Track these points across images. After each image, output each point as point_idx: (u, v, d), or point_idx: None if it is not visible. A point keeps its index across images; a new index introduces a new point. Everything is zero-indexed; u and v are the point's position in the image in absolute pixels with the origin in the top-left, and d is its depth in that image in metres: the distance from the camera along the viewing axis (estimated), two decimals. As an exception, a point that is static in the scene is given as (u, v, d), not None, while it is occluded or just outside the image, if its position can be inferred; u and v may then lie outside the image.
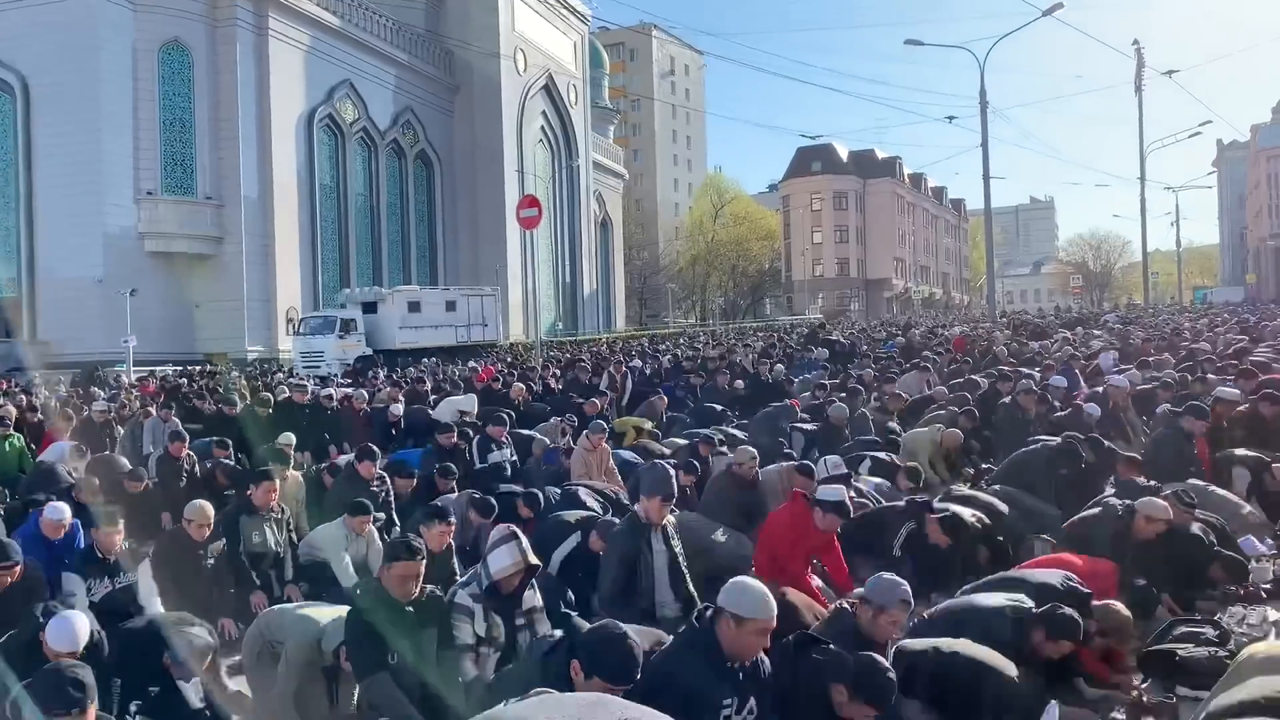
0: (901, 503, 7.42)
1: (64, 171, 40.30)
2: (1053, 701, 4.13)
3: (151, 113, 42.40)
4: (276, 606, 5.66)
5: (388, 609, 4.46)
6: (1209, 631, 5.18)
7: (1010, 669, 4.22)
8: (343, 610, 5.01)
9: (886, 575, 4.45)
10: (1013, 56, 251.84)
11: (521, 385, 16.23)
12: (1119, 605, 5.03)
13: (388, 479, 8.24)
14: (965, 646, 4.31)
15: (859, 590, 4.77)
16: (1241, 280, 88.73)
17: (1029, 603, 4.71)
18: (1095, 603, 4.97)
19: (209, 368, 32.18)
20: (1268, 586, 6.12)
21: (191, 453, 10.16)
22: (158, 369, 29.62)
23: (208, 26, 43.51)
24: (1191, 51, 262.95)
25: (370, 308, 37.04)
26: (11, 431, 11.13)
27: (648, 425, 13.21)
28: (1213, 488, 7.54)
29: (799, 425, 11.47)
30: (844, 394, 13.70)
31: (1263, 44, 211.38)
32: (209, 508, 6.55)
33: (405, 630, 4.47)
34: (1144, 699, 4.62)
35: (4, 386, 22.75)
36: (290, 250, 46.51)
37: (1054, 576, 5.16)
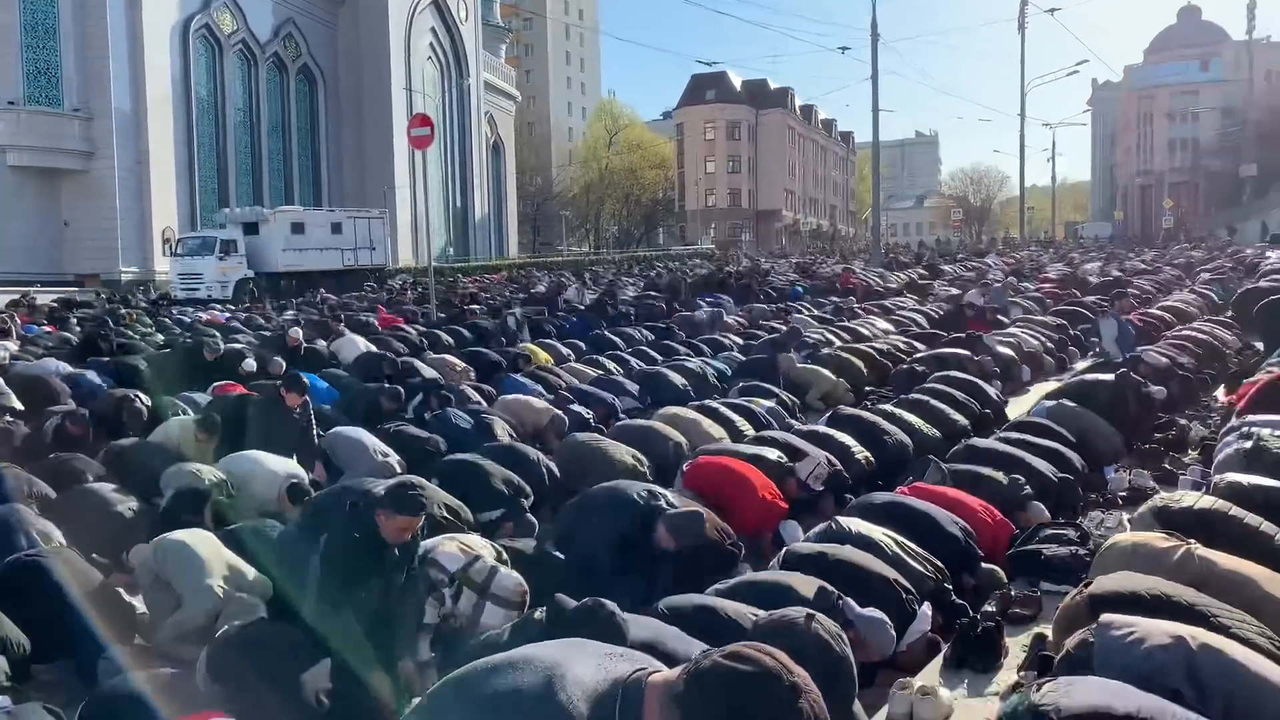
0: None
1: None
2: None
3: (12, 16, 39.56)
4: (177, 536, 5.29)
5: (375, 549, 4.49)
6: (1070, 533, 5.71)
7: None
8: (245, 568, 5.03)
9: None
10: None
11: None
12: (1000, 572, 5.48)
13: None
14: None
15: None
16: (1111, 216, 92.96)
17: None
18: (984, 565, 5.41)
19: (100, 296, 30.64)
20: (1123, 494, 6.97)
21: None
22: (30, 290, 28.09)
23: (68, -79, 40.57)
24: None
25: (251, 228, 35.73)
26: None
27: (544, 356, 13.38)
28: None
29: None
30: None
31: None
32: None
33: (383, 571, 4.53)
34: (1012, 593, 5.07)
35: None
36: (166, 167, 44.33)
37: (954, 526, 5.49)
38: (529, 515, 6.66)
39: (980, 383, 10.25)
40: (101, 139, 41.78)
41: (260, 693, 4.10)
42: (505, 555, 4.96)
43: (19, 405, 9.39)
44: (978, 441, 7.68)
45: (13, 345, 15.81)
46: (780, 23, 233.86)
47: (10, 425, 8.57)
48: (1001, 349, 12.34)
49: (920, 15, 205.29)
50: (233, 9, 48.70)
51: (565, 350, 13.92)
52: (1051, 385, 11.44)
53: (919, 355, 12.40)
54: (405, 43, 58.82)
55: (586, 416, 9.38)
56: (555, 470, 7.27)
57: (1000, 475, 6.50)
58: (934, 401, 9.06)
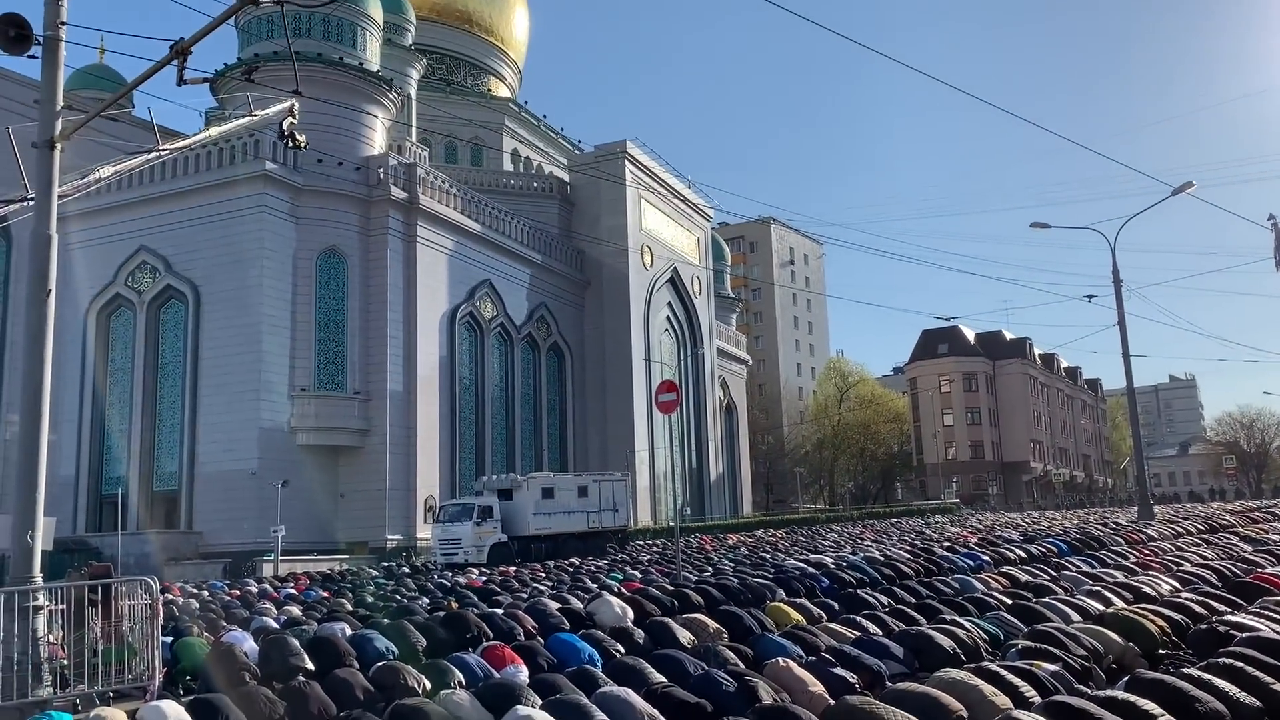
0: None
1: (226, 371, 43.37)
2: None
3: (308, 315, 45.52)
4: None
5: None
6: None
7: None
8: None
9: None
10: (1144, 235, 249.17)
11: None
12: None
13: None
14: None
15: None
16: None
17: None
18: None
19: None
20: None
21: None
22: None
23: (361, 235, 47.12)
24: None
25: (506, 495, 37.51)
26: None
27: (796, 615, 13.01)
28: None
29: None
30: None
31: None
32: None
33: None
34: None
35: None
36: (430, 440, 48.26)
37: None
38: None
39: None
40: (376, 417, 46.20)
41: None
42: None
43: (311, 665, 10.02)
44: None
45: (295, 609, 17.13)
46: (1010, 275, 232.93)
47: (303, 686, 9.13)
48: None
49: (1166, 259, 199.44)
50: (493, 297, 54.10)
51: (817, 610, 13.48)
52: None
53: (1224, 616, 11.13)
54: (645, 317, 62.99)
55: (852, 681, 8.93)
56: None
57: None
58: (1249, 667, 8.03)
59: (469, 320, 52.62)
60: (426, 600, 17.97)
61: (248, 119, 12.84)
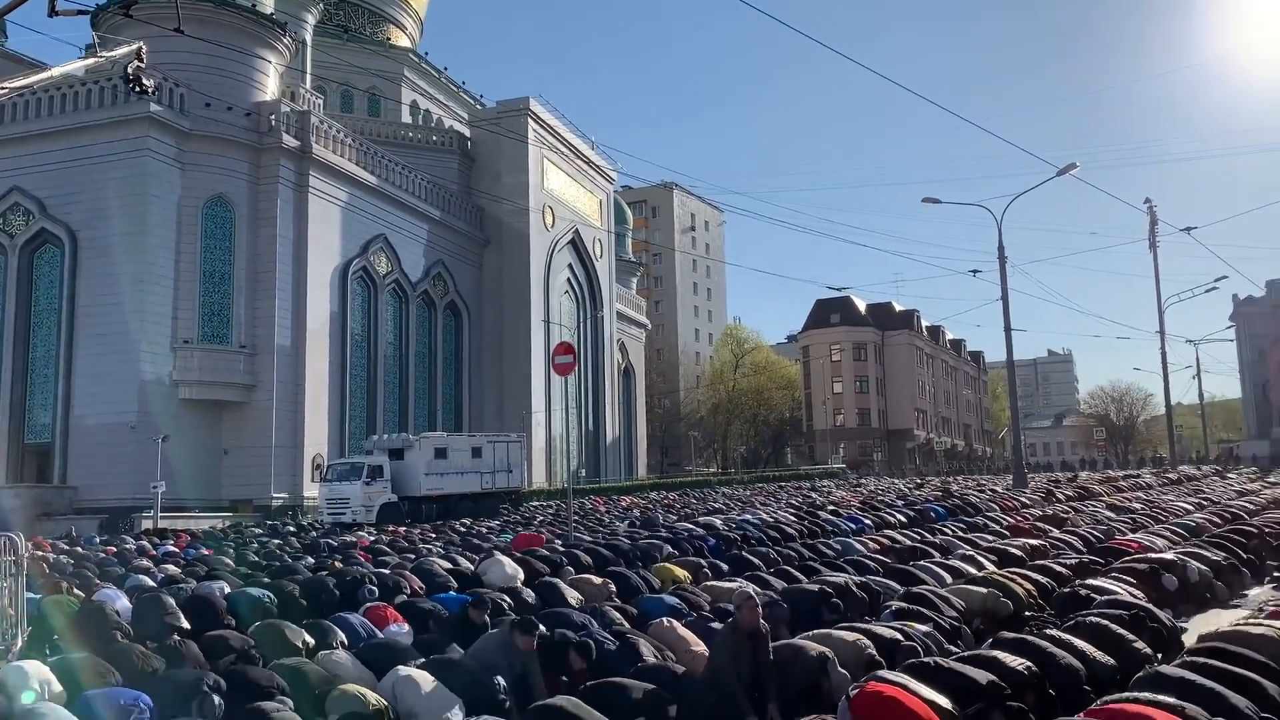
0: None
1: (105, 320, 41.50)
2: None
3: (193, 265, 43.70)
4: None
5: None
6: None
7: None
8: None
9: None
10: (1029, 213, 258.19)
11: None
12: None
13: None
14: None
15: None
16: (1268, 434, 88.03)
17: None
18: None
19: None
20: None
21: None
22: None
23: (250, 184, 45.42)
24: (1206, 209, 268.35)
25: (397, 454, 37.07)
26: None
27: (682, 574, 13.27)
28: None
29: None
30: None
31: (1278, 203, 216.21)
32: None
33: None
34: None
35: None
36: (319, 397, 47.18)
37: None
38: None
39: (1154, 608, 9.61)
40: (263, 372, 44.92)
41: None
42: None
43: (186, 624, 9.78)
44: (1166, 670, 7.12)
45: (173, 568, 16.65)
46: (901, 249, 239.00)
47: (179, 645, 8.90)
48: (1195, 566, 11.67)
49: (1049, 237, 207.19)
50: (388, 252, 52.93)
51: (704, 569, 13.77)
52: (1232, 613, 10.66)
53: (1085, 580, 11.76)
54: (545, 278, 62.54)
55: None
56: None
57: (1199, 711, 5.96)
58: (1112, 626, 8.51)
59: (362, 275, 51.41)
60: (311, 559, 17.71)
61: (92, 60, 12.27)
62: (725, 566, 14.23)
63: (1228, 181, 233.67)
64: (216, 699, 6.85)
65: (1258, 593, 13.16)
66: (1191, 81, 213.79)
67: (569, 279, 67.67)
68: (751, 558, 14.87)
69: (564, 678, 7.92)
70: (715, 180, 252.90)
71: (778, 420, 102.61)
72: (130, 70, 11.96)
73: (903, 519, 21.35)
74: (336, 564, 15.73)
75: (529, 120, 60.89)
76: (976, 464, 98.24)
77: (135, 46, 12.00)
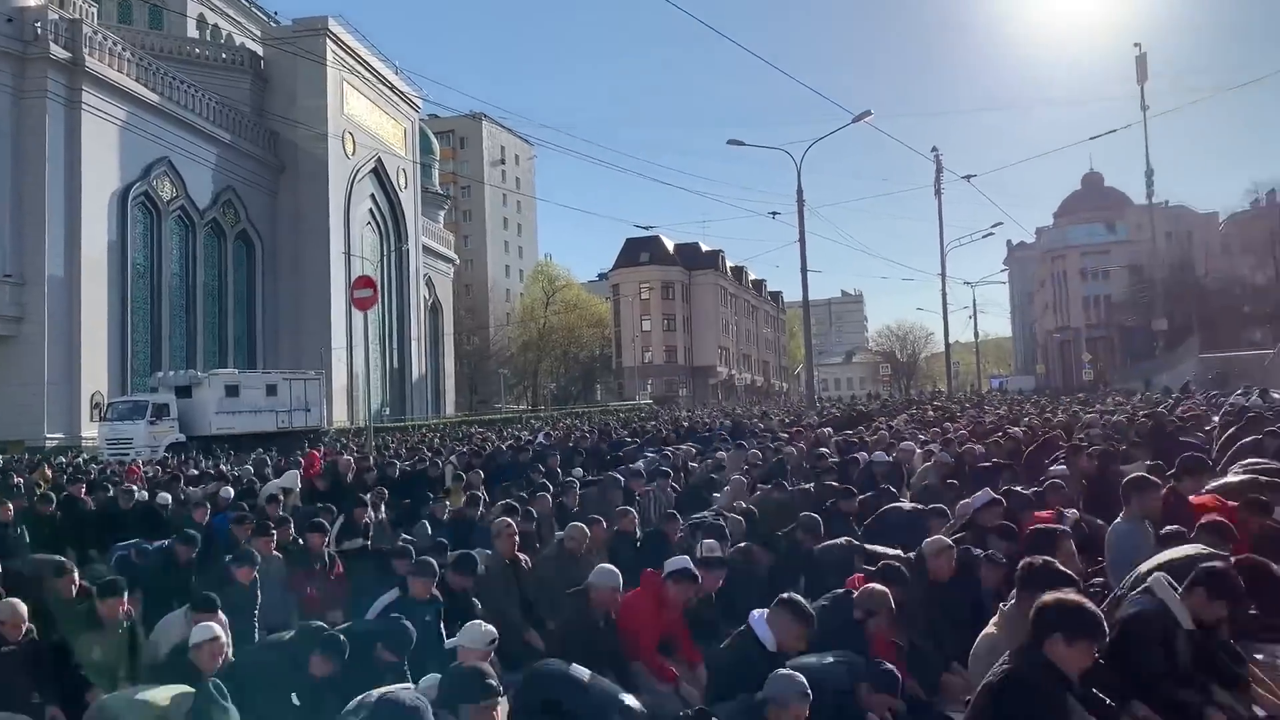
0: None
1: None
2: None
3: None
4: (111, 694, 5.41)
5: None
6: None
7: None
8: (181, 689, 4.93)
9: (783, 672, 4.53)
10: (827, 159, 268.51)
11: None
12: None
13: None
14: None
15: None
16: (1033, 370, 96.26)
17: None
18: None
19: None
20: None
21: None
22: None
23: (14, 97, 41.27)
24: (987, 158, 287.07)
25: (185, 392, 35.37)
26: None
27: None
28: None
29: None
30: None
31: (1049, 156, 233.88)
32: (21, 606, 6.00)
33: None
34: None
35: None
36: (98, 331, 43.93)
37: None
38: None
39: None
40: (33, 304, 41.40)
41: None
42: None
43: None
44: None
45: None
46: (708, 190, 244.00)
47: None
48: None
49: (844, 182, 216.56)
50: (173, 177, 49.47)
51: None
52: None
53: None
54: (345, 209, 60.10)
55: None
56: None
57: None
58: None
59: (144, 201, 47.90)
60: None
61: None
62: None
63: (1006, 133, 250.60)
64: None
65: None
66: (982, 42, 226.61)
67: (371, 210, 65.33)
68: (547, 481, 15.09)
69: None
70: (526, 114, 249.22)
71: (588, 357, 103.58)
72: None
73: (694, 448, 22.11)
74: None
75: (327, 40, 57.84)
76: (774, 399, 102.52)
77: None
